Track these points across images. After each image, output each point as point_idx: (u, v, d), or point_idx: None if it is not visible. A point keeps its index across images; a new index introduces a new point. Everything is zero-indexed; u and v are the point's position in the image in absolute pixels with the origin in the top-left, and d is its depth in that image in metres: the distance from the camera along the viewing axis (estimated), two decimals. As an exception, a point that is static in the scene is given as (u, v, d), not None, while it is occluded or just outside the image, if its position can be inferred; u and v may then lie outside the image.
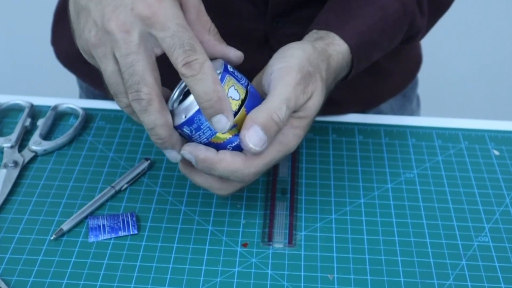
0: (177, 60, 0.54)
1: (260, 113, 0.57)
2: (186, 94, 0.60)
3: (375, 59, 0.72)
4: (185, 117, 0.57)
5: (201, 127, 0.57)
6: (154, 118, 0.56)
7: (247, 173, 0.58)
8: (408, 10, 0.70)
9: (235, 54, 0.61)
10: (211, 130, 0.58)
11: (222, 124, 0.56)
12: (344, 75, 0.68)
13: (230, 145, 0.59)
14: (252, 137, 0.57)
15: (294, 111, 0.60)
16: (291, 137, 0.60)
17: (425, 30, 0.77)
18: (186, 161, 0.61)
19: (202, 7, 0.60)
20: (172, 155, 0.59)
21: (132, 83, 0.55)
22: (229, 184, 0.61)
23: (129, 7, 0.55)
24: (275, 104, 0.57)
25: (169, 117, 0.57)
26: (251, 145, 0.57)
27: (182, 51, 0.54)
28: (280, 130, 0.58)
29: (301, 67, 0.60)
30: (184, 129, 0.58)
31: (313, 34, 0.66)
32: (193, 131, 0.58)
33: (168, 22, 0.55)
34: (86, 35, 0.57)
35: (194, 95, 0.55)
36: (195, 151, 0.58)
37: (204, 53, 0.55)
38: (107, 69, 0.57)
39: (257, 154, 0.59)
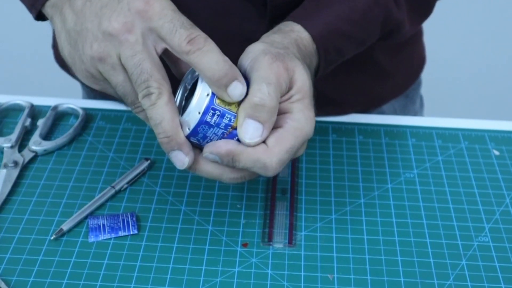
0: (181, 38, 0.55)
1: (244, 104, 0.56)
2: (183, 109, 0.59)
3: (352, 52, 0.71)
4: (189, 129, 0.57)
5: (207, 134, 0.57)
6: (162, 111, 0.55)
7: (270, 162, 0.56)
8: (381, 1, 0.69)
9: None
10: (217, 135, 0.57)
11: (239, 89, 0.55)
12: (315, 66, 0.67)
13: (236, 137, 0.58)
14: (246, 130, 0.56)
15: (289, 96, 0.58)
16: (303, 120, 0.58)
17: (409, 26, 0.75)
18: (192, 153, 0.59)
19: None
20: (180, 157, 0.57)
21: (141, 82, 0.55)
22: (243, 172, 0.59)
23: (126, 8, 0.56)
24: (253, 88, 0.56)
25: (177, 114, 0.56)
26: (248, 140, 0.56)
27: (184, 29, 0.55)
28: (274, 109, 0.56)
29: (266, 51, 0.59)
30: (191, 140, 0.58)
31: (272, 29, 0.66)
32: (200, 140, 0.58)
33: (164, 9, 0.56)
34: (89, 52, 0.57)
35: (204, 69, 0.55)
36: (216, 149, 0.57)
37: (203, 32, 0.56)
38: (119, 79, 0.57)
39: (278, 140, 0.57)
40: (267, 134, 0.57)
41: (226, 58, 0.55)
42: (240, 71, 0.59)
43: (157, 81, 0.55)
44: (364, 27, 0.70)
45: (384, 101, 0.89)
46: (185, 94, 0.60)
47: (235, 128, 0.57)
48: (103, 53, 0.57)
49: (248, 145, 0.56)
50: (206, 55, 0.55)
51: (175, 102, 0.59)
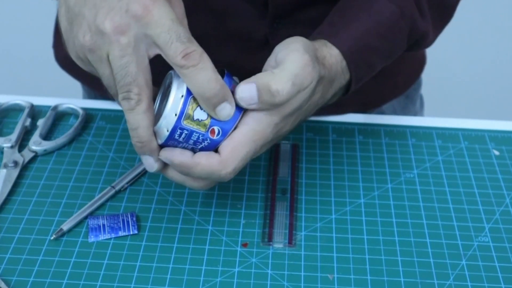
0: (176, 52, 0.55)
1: (266, 76, 0.57)
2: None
3: (381, 65, 0.71)
4: (160, 140, 0.58)
5: (178, 146, 0.58)
6: (140, 118, 0.56)
7: (224, 173, 0.58)
8: (406, 12, 0.69)
9: None
10: (187, 149, 0.58)
11: (227, 111, 0.56)
12: (346, 83, 0.67)
13: (202, 144, 0.58)
14: (244, 90, 0.57)
15: None
16: (266, 124, 0.59)
17: (433, 34, 0.75)
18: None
19: (185, 21, 0.60)
20: (149, 161, 0.59)
21: (123, 84, 0.56)
22: (203, 181, 0.61)
23: (124, 9, 0.55)
24: (282, 78, 0.57)
25: (153, 122, 0.57)
26: (237, 96, 0.57)
27: (180, 43, 0.55)
28: (277, 105, 0.57)
29: (306, 49, 0.59)
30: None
31: (310, 37, 0.66)
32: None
33: (162, 18, 0.55)
34: (81, 40, 0.57)
35: (196, 85, 0.55)
36: (170, 156, 0.58)
37: (200, 47, 0.56)
38: (105, 72, 0.58)
39: (232, 150, 0.58)
40: (254, 108, 0.57)
41: (219, 77, 0.55)
42: (273, 53, 0.60)
43: (139, 87, 0.56)
44: (392, 40, 0.69)
45: (384, 101, 0.89)
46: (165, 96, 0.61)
47: (202, 143, 0.58)
48: (94, 46, 0.57)
49: (235, 100, 0.57)
50: (199, 73, 0.55)
51: (156, 104, 0.60)
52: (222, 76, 0.58)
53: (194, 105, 0.57)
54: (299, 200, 0.70)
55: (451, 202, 0.70)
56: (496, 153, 0.77)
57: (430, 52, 1.01)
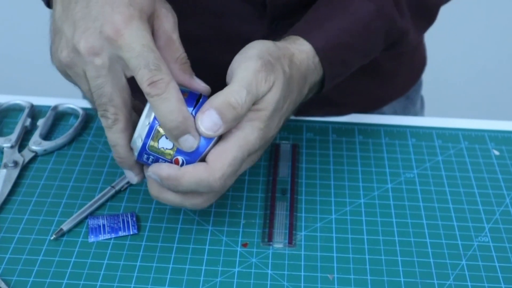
0: (142, 79, 0.54)
1: (218, 97, 0.56)
2: None
3: (358, 63, 0.70)
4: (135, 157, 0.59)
5: (148, 162, 0.59)
6: (117, 137, 0.57)
7: (213, 179, 0.57)
8: (383, 11, 0.68)
9: (201, 87, 0.60)
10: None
11: (189, 143, 0.56)
12: (320, 79, 0.67)
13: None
14: (205, 120, 0.56)
15: (254, 103, 0.58)
16: (250, 130, 0.58)
17: (415, 34, 0.74)
18: (153, 183, 0.60)
19: (175, 35, 0.60)
20: (129, 175, 0.61)
21: (99, 104, 0.56)
22: (200, 197, 0.60)
23: (98, 30, 0.55)
24: (234, 88, 0.56)
25: (130, 140, 0.58)
26: (202, 129, 0.56)
27: (147, 71, 0.54)
28: (240, 117, 0.57)
29: (260, 55, 0.58)
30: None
31: (282, 40, 0.66)
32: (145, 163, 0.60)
33: (133, 43, 0.55)
34: (59, 55, 0.58)
35: (158, 115, 0.55)
36: (158, 171, 0.57)
37: (170, 74, 0.55)
38: (83, 87, 0.59)
39: (218, 156, 0.57)
40: (221, 133, 0.57)
41: (183, 109, 0.55)
42: (233, 65, 0.59)
43: (115, 106, 0.56)
44: (368, 38, 0.69)
45: (385, 103, 0.89)
46: None
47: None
48: (71, 63, 0.57)
49: (201, 134, 0.56)
50: (163, 103, 0.54)
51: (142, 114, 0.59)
52: (198, 101, 0.58)
53: (161, 133, 0.57)
54: (299, 200, 0.70)
55: (451, 202, 0.70)
56: (496, 153, 0.77)
57: (430, 52, 1.01)
